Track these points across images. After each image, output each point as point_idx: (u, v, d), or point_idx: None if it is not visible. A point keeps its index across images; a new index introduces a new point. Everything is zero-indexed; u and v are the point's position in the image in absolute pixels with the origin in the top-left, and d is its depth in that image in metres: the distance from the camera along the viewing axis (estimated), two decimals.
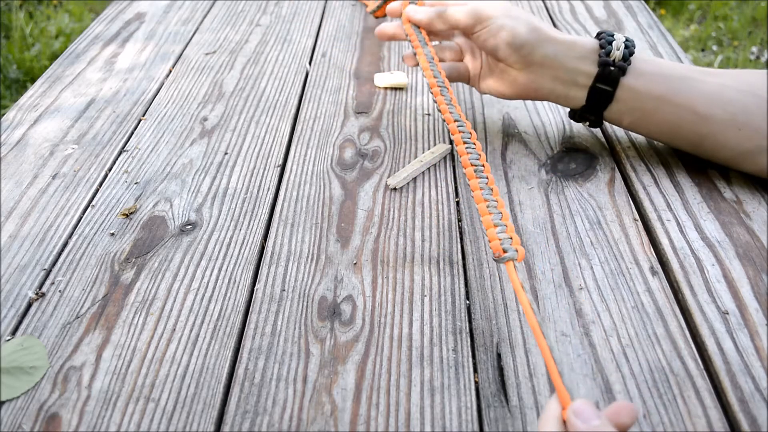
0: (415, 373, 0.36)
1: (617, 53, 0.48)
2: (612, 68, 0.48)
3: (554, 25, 0.76)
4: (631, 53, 0.48)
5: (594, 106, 0.50)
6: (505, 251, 0.36)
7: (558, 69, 0.49)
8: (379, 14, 0.69)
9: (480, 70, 0.55)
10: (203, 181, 0.52)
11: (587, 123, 0.53)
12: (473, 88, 0.64)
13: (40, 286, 0.43)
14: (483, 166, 0.41)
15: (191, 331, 0.39)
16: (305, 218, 0.48)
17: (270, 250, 0.45)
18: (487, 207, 0.38)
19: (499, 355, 0.37)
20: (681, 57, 0.68)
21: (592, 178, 0.51)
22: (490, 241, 0.37)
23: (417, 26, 0.55)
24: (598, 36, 0.50)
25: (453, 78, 0.55)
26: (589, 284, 0.41)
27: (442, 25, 0.53)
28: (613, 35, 0.49)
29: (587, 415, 0.27)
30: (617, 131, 0.57)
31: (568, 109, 0.56)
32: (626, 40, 0.49)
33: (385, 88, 0.64)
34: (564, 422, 0.28)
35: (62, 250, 0.46)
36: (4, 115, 0.87)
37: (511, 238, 0.36)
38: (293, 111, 0.62)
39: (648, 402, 0.34)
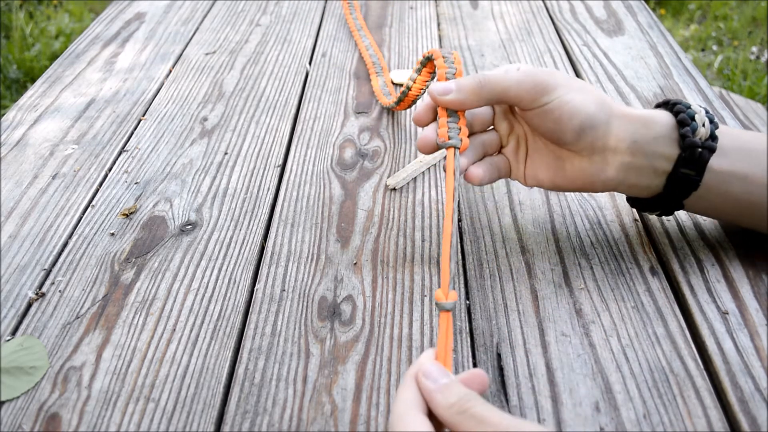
0: None
1: (703, 130, 0.39)
2: (700, 149, 0.38)
3: (554, 25, 0.76)
4: (716, 128, 0.40)
5: (673, 195, 0.41)
6: (449, 138, 0.39)
7: (633, 154, 0.39)
8: (402, 108, 0.55)
9: (525, 158, 0.43)
10: (203, 181, 0.52)
11: (657, 214, 0.43)
12: None
13: (40, 286, 0.43)
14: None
15: (191, 331, 0.39)
16: (305, 218, 0.48)
17: (270, 250, 0.45)
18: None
19: (499, 355, 0.37)
20: (681, 57, 0.68)
21: None
22: (439, 128, 0.39)
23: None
24: (670, 107, 0.41)
25: (493, 179, 0.43)
26: (589, 284, 0.41)
27: (485, 100, 0.39)
28: (689, 107, 0.40)
29: (436, 375, 0.29)
30: None
31: None
32: (707, 112, 0.40)
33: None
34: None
35: (62, 250, 0.46)
36: (4, 115, 0.87)
37: (460, 129, 0.39)
38: (293, 111, 0.62)
39: (648, 402, 0.34)
